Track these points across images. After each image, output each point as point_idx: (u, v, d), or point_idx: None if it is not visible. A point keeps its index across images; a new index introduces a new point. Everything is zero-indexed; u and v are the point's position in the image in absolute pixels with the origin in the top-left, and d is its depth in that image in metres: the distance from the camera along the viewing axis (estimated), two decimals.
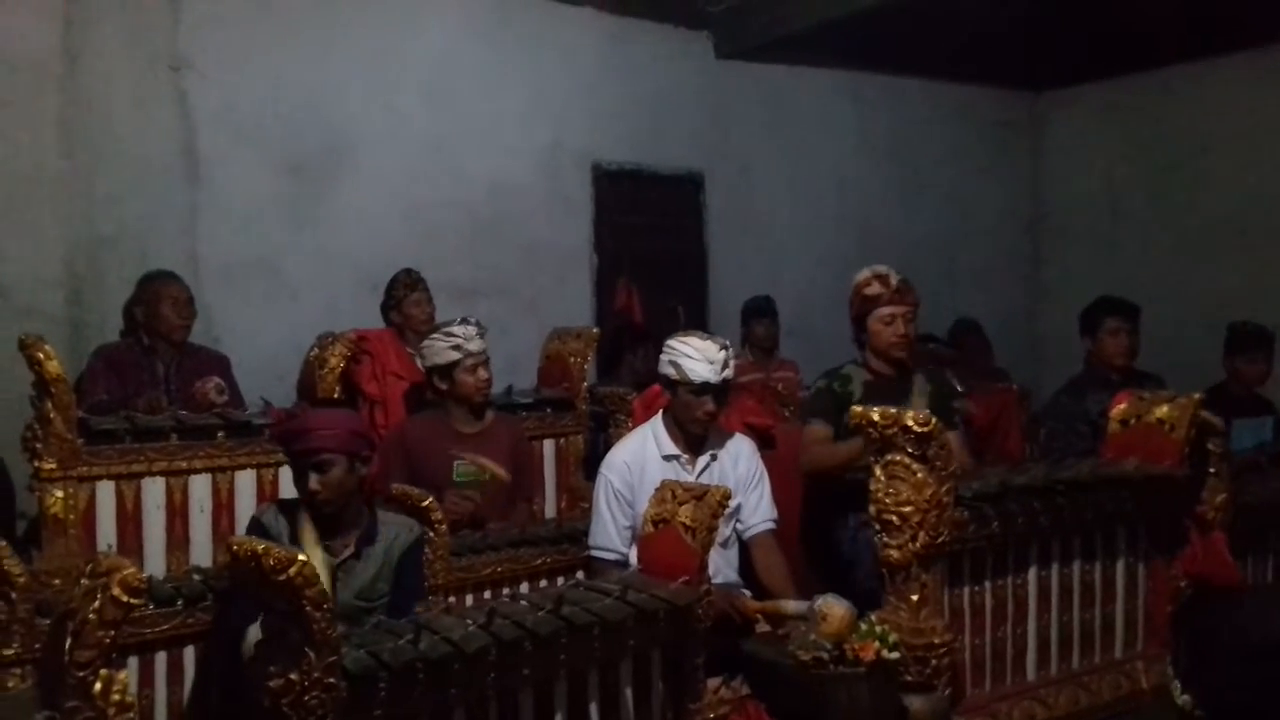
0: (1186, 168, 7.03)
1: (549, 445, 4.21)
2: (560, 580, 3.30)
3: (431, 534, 3.04)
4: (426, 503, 3.06)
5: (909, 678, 2.45)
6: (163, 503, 3.39)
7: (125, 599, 1.66)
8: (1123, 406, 3.05)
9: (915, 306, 3.59)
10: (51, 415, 3.17)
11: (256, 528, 2.68)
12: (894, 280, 3.56)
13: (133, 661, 2.58)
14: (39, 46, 4.48)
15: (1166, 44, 6.62)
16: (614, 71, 6.15)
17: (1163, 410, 2.96)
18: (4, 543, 2.49)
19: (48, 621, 2.32)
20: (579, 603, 2.14)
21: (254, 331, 4.88)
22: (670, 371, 3.25)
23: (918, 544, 2.47)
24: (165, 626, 2.63)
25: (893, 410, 2.51)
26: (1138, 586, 2.99)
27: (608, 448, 3.66)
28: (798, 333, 6.17)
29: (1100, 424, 3.56)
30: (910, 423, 2.45)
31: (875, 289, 3.56)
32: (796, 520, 3.68)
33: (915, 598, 2.50)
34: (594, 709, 2.15)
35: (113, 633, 1.66)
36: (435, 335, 3.72)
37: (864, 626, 2.45)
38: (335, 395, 3.95)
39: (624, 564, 3.12)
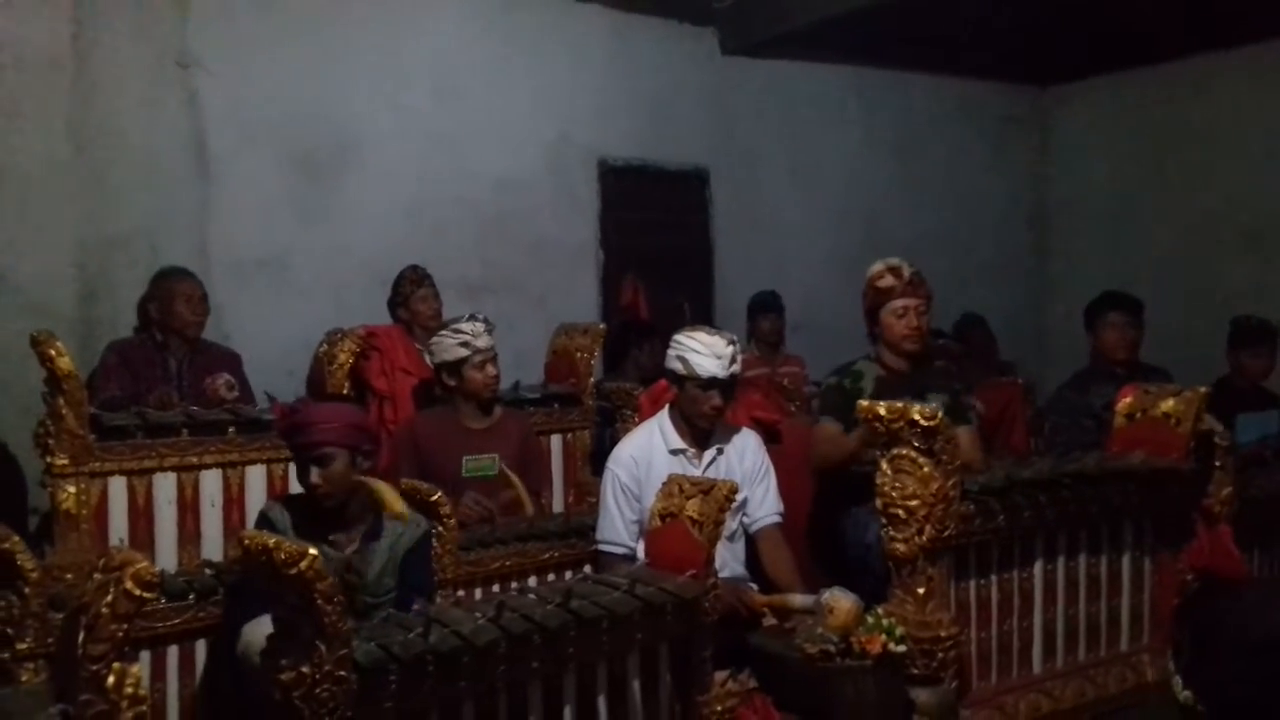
0: (1192, 163, 7.01)
1: (556, 440, 4.23)
2: (568, 574, 3.32)
3: (440, 528, 3.05)
4: (435, 497, 3.08)
5: (915, 671, 2.47)
6: (174, 498, 3.41)
7: (138, 593, 1.67)
8: (1128, 400, 3.06)
9: (928, 299, 3.56)
10: (63, 411, 3.20)
11: (263, 523, 2.70)
12: (907, 273, 3.53)
13: (145, 655, 2.61)
14: (49, 45, 4.50)
15: (1172, 39, 6.60)
16: (620, 68, 6.16)
17: (1168, 404, 2.97)
18: (17, 538, 2.52)
19: (60, 616, 2.34)
20: (587, 596, 2.15)
21: (263, 328, 4.90)
22: (677, 366, 3.26)
23: (924, 537, 2.48)
24: (177, 621, 2.66)
25: (899, 404, 2.52)
26: (1143, 580, 3.00)
27: (614, 443, 3.68)
28: (803, 328, 6.18)
29: (1104, 417, 3.57)
30: (916, 417, 2.47)
31: (888, 281, 3.53)
32: (802, 514, 3.69)
33: (922, 591, 2.51)
34: (602, 702, 2.16)
35: (125, 626, 1.68)
36: (444, 332, 3.74)
37: (870, 620, 2.47)
38: (344, 391, 3.97)
39: (631, 558, 3.14)
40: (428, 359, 3.91)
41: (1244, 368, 4.56)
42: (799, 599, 3.01)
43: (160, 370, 4.06)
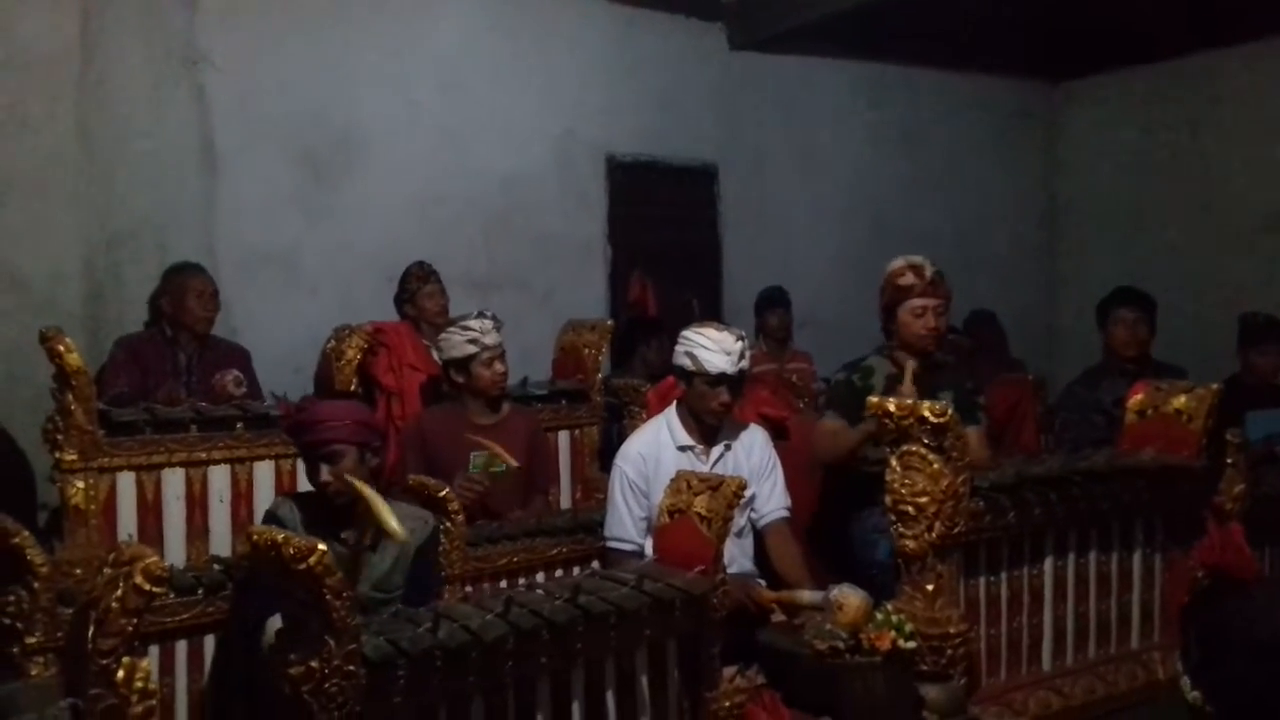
0: (1202, 158, 6.98)
1: (564, 437, 4.23)
2: (575, 570, 3.32)
3: (448, 524, 3.05)
4: (443, 493, 3.08)
5: (924, 667, 2.46)
6: (182, 493, 3.43)
7: (148, 587, 1.68)
8: (1140, 397, 3.05)
9: (947, 300, 3.52)
10: (72, 407, 3.21)
11: (272, 520, 2.70)
12: (929, 272, 3.48)
13: (154, 650, 2.61)
14: (56, 42, 4.50)
15: (1182, 35, 6.56)
16: (627, 63, 6.15)
17: (1180, 401, 2.95)
18: (27, 533, 2.53)
19: (69, 610, 2.35)
20: (595, 592, 2.15)
21: (271, 324, 4.90)
22: (686, 362, 3.25)
23: (933, 534, 2.47)
24: (186, 615, 2.67)
25: (909, 401, 2.51)
26: (1154, 577, 2.98)
27: (622, 439, 3.67)
28: (811, 323, 6.17)
29: (1114, 413, 3.55)
30: (926, 413, 2.46)
31: (909, 279, 3.48)
32: (809, 511, 3.68)
33: (931, 588, 2.50)
34: (610, 697, 2.16)
35: (135, 621, 1.68)
36: (452, 329, 3.74)
37: (880, 616, 2.46)
38: (352, 388, 3.97)
39: (640, 554, 3.13)
40: (435, 355, 3.91)
41: (1253, 366, 4.53)
42: (807, 595, 3.01)
43: (169, 366, 4.08)
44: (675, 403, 3.43)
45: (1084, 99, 7.83)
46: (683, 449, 3.31)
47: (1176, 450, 2.91)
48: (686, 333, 3.30)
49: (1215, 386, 2.95)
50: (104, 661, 1.63)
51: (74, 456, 3.22)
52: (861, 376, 3.55)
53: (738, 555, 3.24)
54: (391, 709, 1.85)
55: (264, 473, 3.57)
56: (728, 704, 2.32)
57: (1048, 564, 2.78)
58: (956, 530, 2.50)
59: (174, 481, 3.41)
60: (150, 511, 3.37)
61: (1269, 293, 5.59)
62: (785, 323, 5.71)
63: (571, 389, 4.29)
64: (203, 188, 4.90)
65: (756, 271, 6.24)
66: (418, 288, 4.61)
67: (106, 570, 1.70)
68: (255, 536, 1.81)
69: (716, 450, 3.34)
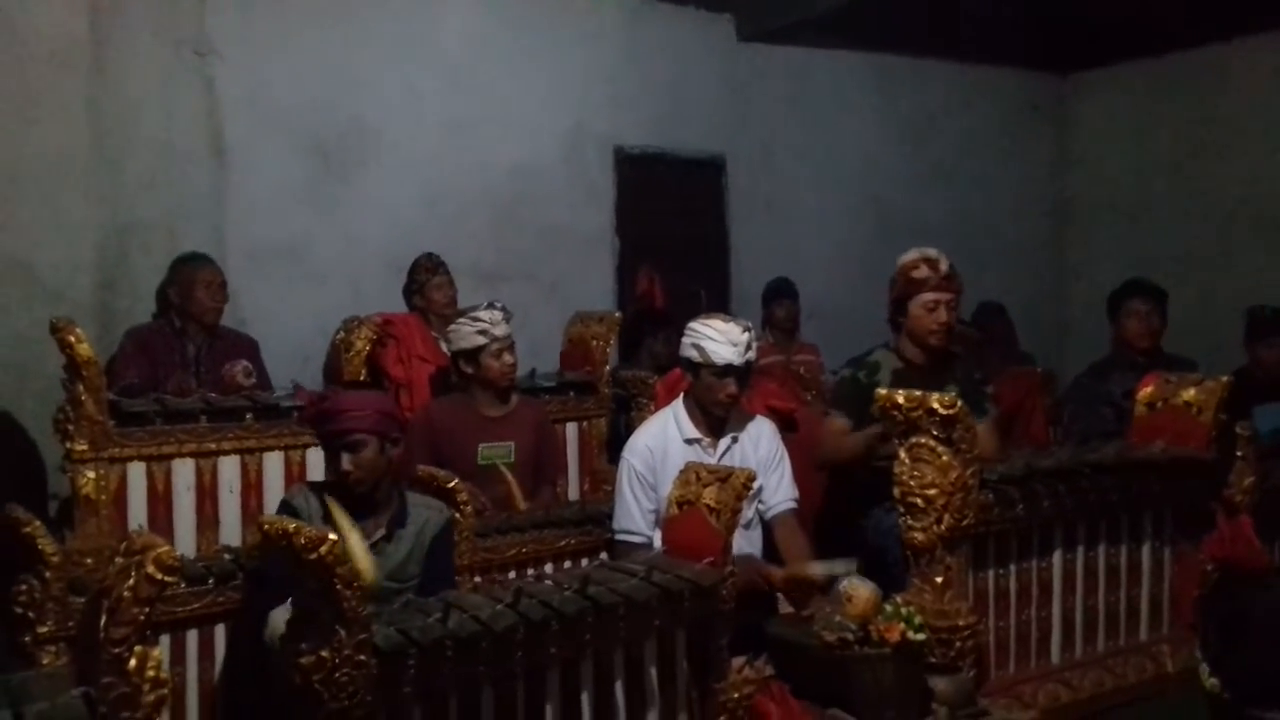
0: (1212, 151, 6.95)
1: (572, 428, 4.24)
2: (584, 562, 3.33)
3: (457, 515, 3.06)
4: (452, 484, 3.08)
5: (934, 659, 2.47)
6: (192, 483, 3.44)
7: (160, 576, 1.68)
8: (1149, 389, 3.04)
9: (959, 294, 3.45)
10: (83, 397, 3.22)
11: (287, 510, 2.70)
12: (943, 265, 3.39)
13: (165, 639, 2.62)
14: (66, 34, 4.50)
15: (1192, 27, 6.54)
16: (636, 54, 6.14)
17: (1190, 393, 2.95)
18: (38, 522, 2.54)
19: (80, 600, 2.37)
20: (605, 583, 2.15)
21: (280, 315, 4.91)
22: (693, 354, 3.25)
23: (942, 526, 2.48)
24: (196, 605, 2.68)
25: (918, 393, 2.51)
26: (1163, 570, 2.98)
27: (630, 431, 3.67)
28: (819, 315, 6.16)
29: (1123, 406, 3.54)
30: (935, 405, 2.45)
31: (923, 273, 3.39)
32: (815, 504, 3.67)
33: (940, 580, 2.51)
34: (619, 688, 2.17)
35: (147, 610, 1.68)
36: (462, 320, 3.74)
37: (889, 608, 2.46)
38: (361, 378, 3.98)
39: (648, 546, 3.13)
40: (444, 346, 3.92)
41: (1261, 359, 4.51)
42: (817, 566, 3.00)
43: (179, 356, 4.09)
44: (682, 395, 3.43)
45: (1093, 91, 7.79)
46: (690, 441, 3.31)
47: (1186, 443, 2.91)
48: (694, 324, 3.30)
49: (1225, 379, 2.95)
50: (116, 650, 1.64)
51: (85, 447, 3.24)
52: (868, 373, 3.50)
53: (745, 547, 3.23)
54: (401, 699, 1.86)
55: (273, 463, 3.58)
56: (736, 695, 2.32)
57: (1056, 556, 2.78)
58: (965, 522, 2.50)
59: (184, 472, 3.43)
60: (160, 502, 3.39)
61: (1278, 286, 5.55)
62: (792, 314, 5.70)
63: (579, 381, 4.30)
64: (212, 179, 4.91)
65: (764, 262, 6.23)
66: (426, 279, 4.62)
67: (119, 559, 1.71)
68: (267, 526, 1.81)
69: (724, 442, 3.34)
